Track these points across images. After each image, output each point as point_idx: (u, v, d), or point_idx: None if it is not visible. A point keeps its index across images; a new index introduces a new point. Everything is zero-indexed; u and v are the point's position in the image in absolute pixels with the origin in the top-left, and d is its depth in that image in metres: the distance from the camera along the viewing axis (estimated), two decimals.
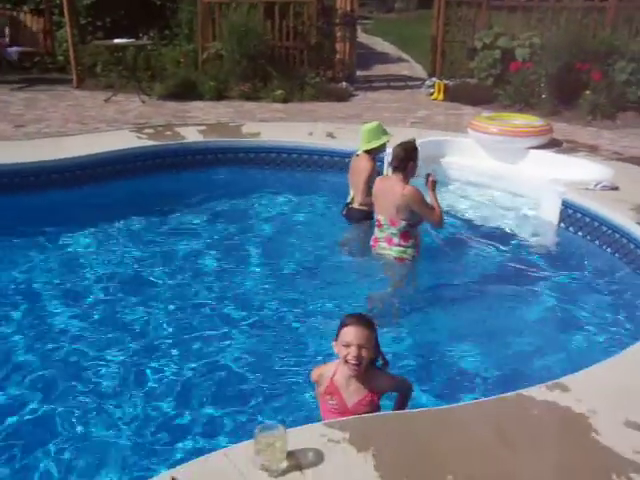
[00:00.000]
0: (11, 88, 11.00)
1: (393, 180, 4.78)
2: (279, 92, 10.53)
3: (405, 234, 4.77)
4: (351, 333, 2.75)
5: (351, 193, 5.67)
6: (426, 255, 5.03)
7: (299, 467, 2.40)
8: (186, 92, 10.48)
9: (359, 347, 2.73)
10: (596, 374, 3.18)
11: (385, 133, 5.55)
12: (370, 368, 2.85)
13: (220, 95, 10.62)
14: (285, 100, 10.48)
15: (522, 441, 2.63)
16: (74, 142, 7.29)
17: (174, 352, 3.95)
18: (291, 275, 5.03)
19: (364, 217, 5.50)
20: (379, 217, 4.89)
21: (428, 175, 4.91)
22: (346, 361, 2.77)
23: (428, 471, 2.42)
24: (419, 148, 4.91)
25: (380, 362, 2.93)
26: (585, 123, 9.28)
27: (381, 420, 2.74)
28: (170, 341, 4.07)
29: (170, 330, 4.21)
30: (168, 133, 7.71)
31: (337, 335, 2.83)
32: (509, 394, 2.96)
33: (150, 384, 3.63)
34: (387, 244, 4.84)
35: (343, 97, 11.01)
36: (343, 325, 2.81)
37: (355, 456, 2.47)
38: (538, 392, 2.95)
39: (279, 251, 5.44)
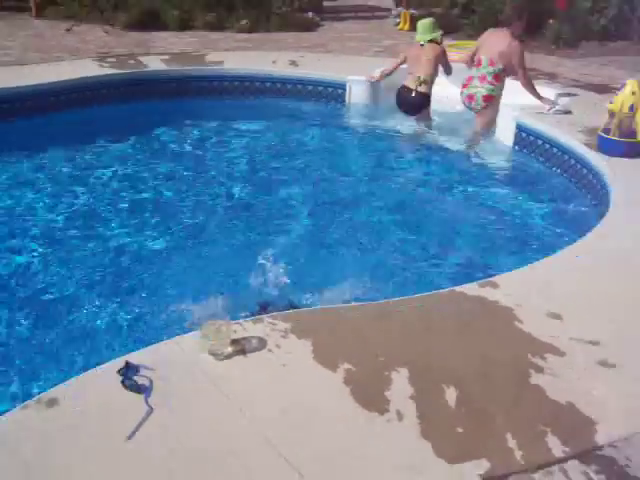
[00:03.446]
0: None
1: (504, 32, 6.00)
2: (244, 22, 10.46)
3: (497, 76, 6.01)
4: None
5: (419, 77, 6.31)
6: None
7: (243, 352, 2.61)
8: (150, 22, 10.35)
9: None
10: (526, 273, 3.41)
11: (439, 29, 6.42)
12: None
13: (185, 25, 10.50)
14: (251, 30, 10.41)
15: (449, 330, 2.86)
16: (35, 70, 7.23)
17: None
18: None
19: (426, 104, 6.39)
20: (481, 57, 6.05)
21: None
22: None
23: (361, 354, 2.64)
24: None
25: None
26: (548, 52, 9.39)
27: (321, 313, 2.95)
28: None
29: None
30: (131, 62, 7.67)
31: None
32: (443, 290, 3.19)
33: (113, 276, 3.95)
34: (480, 82, 6.04)
35: (310, 27, 10.96)
36: None
37: (295, 343, 2.68)
38: (470, 288, 3.17)
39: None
